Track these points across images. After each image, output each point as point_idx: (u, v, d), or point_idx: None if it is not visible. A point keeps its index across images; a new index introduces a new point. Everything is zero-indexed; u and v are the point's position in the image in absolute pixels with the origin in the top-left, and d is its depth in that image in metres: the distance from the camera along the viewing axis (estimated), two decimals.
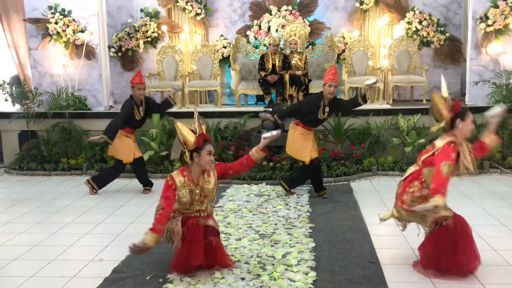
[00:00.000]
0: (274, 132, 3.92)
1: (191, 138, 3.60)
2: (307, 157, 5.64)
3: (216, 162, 3.84)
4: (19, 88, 8.52)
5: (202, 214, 3.73)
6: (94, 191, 6.22)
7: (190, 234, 3.53)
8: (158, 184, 6.64)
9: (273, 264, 3.79)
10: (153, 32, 9.62)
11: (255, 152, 3.90)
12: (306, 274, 3.59)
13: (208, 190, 3.71)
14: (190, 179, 3.65)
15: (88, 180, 6.29)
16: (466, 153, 3.54)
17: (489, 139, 3.66)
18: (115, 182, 6.46)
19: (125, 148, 6.11)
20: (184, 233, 3.54)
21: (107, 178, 6.35)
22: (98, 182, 6.26)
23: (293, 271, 3.64)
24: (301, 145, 5.64)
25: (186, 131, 3.62)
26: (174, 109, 8.26)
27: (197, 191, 3.66)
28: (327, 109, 5.56)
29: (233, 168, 3.92)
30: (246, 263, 3.83)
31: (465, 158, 3.52)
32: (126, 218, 5.16)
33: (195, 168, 3.68)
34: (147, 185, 6.34)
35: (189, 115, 7.53)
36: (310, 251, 4.03)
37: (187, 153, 3.63)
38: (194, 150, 3.62)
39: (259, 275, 3.59)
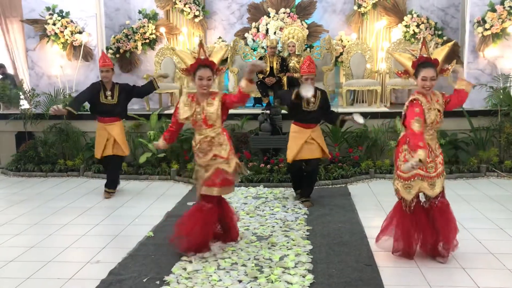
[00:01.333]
0: (259, 62, 4.13)
1: (188, 61, 3.97)
2: (289, 156, 5.48)
3: (218, 91, 4.15)
4: (16, 89, 8.51)
5: (213, 141, 3.99)
6: (111, 193, 6.13)
7: (204, 217, 3.96)
8: (158, 186, 6.64)
9: (270, 267, 3.78)
10: (151, 34, 9.62)
11: (244, 85, 3.91)
12: (303, 276, 3.59)
13: (210, 112, 3.96)
14: (195, 100, 4.03)
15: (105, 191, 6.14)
16: (433, 105, 3.77)
17: (459, 84, 3.92)
18: None
19: (97, 143, 6.01)
20: (198, 215, 3.97)
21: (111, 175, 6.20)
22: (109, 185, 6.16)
23: (290, 274, 3.64)
24: (290, 143, 5.53)
25: (184, 55, 4.06)
26: (171, 111, 8.28)
27: (198, 109, 3.98)
28: (313, 99, 5.32)
29: (232, 98, 4.03)
30: (244, 265, 3.83)
31: (429, 110, 3.72)
32: (123, 220, 5.14)
33: (198, 91, 4.04)
34: (110, 187, 6.10)
35: None
36: (307, 254, 4.03)
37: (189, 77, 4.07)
38: (193, 74, 3.97)
39: (256, 278, 3.59)
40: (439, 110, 3.80)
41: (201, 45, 3.97)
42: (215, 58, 4.03)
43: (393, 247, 3.94)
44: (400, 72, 3.95)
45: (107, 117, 5.94)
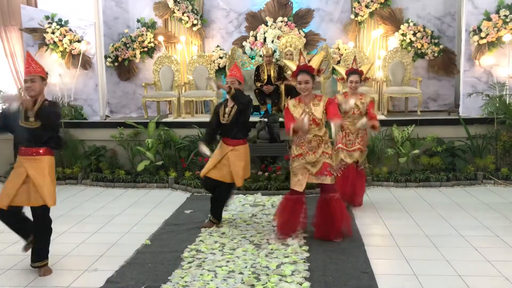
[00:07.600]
0: None
1: (293, 67, 4.53)
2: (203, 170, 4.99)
3: (319, 94, 4.70)
4: None
5: (322, 139, 4.45)
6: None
7: (291, 205, 4.50)
8: (155, 194, 6.65)
9: (267, 275, 3.79)
10: (149, 42, 9.67)
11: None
12: (300, 284, 3.60)
13: (316, 112, 4.40)
14: (302, 101, 4.49)
15: None
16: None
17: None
18: (110, 192, 6.45)
19: (6, 184, 4.06)
20: (286, 204, 4.53)
21: None
22: None
23: (287, 282, 3.65)
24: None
25: (291, 64, 4.66)
26: (169, 119, 8.30)
27: (308, 109, 4.41)
28: (228, 109, 4.84)
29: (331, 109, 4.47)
30: (240, 273, 3.83)
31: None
32: (121, 228, 5.15)
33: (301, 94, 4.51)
34: (35, 260, 3.91)
35: (184, 125, 7.57)
36: (304, 262, 4.04)
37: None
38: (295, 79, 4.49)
39: (253, 286, 3.60)
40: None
41: (300, 53, 4.60)
42: (314, 63, 4.49)
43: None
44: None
45: (23, 147, 4.03)
